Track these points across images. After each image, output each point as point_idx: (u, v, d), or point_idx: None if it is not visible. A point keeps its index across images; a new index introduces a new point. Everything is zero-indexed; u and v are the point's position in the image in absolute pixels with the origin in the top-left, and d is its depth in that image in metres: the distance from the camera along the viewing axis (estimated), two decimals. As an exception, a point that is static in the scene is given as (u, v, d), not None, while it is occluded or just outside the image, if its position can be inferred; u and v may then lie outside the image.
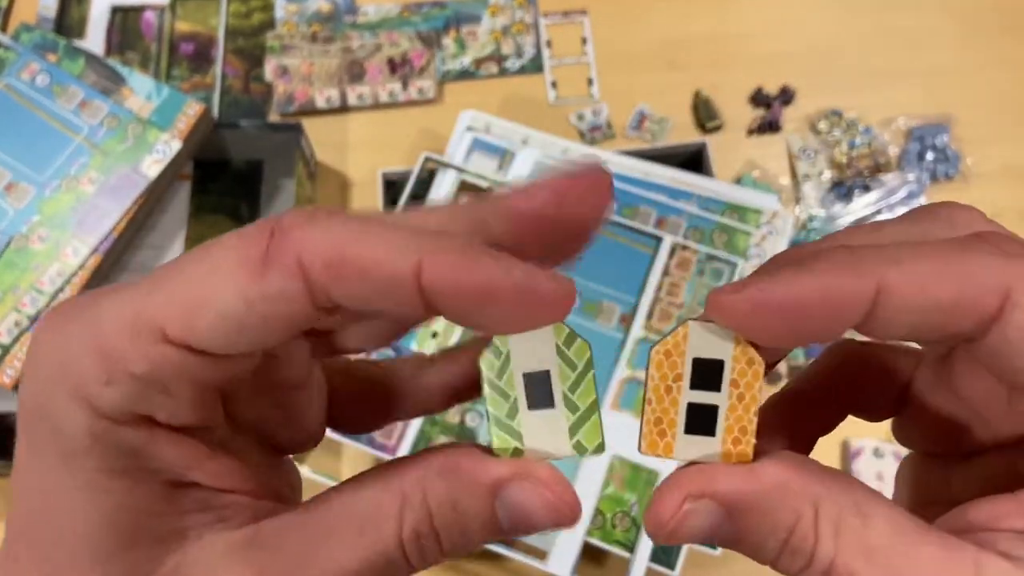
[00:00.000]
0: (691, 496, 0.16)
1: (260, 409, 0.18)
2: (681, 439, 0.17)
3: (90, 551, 0.15)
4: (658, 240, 0.59)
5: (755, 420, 0.17)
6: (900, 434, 0.21)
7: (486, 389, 0.17)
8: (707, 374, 0.17)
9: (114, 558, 0.15)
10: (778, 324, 0.16)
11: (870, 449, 0.64)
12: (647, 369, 0.18)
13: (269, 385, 0.18)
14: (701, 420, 0.17)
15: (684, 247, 0.59)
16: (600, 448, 0.17)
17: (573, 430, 0.17)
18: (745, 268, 0.58)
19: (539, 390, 0.17)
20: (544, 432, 0.17)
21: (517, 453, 0.17)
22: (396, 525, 0.16)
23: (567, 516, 0.16)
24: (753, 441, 0.17)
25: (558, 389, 0.17)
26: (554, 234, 0.17)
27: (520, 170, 0.62)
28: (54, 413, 0.15)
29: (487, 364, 0.17)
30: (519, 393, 0.17)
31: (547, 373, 0.17)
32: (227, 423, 0.17)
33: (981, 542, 0.15)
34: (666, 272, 0.58)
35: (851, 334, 0.18)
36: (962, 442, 0.18)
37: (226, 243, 0.15)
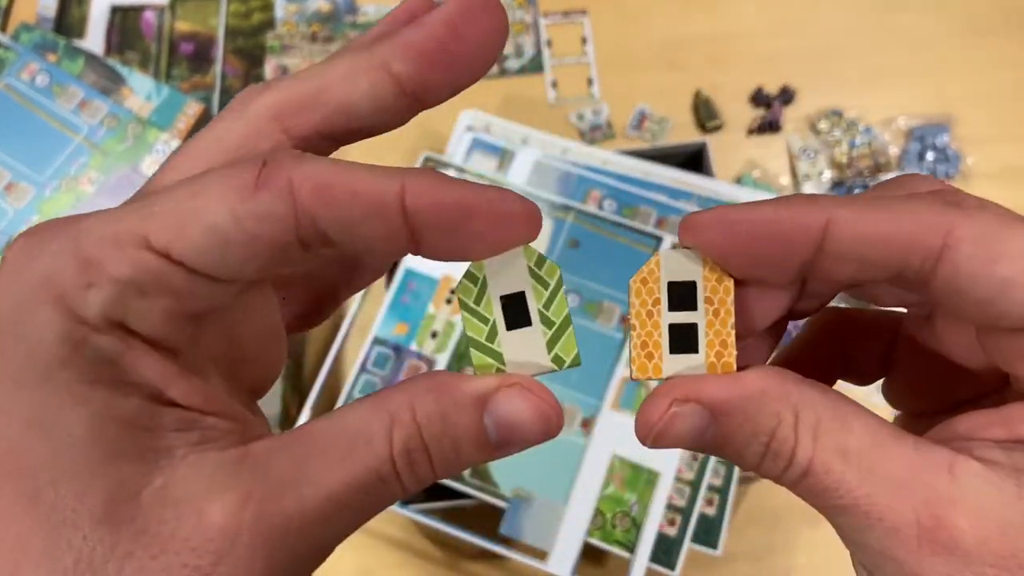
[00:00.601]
0: (678, 400, 0.17)
1: (225, 351, 0.17)
2: (668, 359, 0.18)
3: (72, 468, 0.14)
4: (658, 240, 0.59)
5: (732, 333, 0.18)
6: (890, 396, 0.22)
7: (464, 315, 0.18)
8: (682, 295, 0.18)
9: (97, 475, 0.14)
10: (739, 244, 0.17)
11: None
12: (628, 298, 0.19)
13: (235, 332, 0.18)
14: (683, 339, 0.18)
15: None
16: (577, 360, 0.18)
17: (551, 344, 0.18)
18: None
19: (516, 310, 0.18)
20: (523, 350, 0.18)
21: (499, 372, 0.18)
22: (386, 443, 0.16)
23: (553, 422, 0.17)
24: (734, 352, 0.18)
25: (533, 308, 0.18)
26: (454, 62, 0.17)
27: (520, 170, 0.62)
28: (32, 324, 0.14)
29: (464, 291, 0.18)
30: (497, 316, 0.18)
31: (522, 294, 0.18)
32: (196, 355, 0.17)
33: (958, 448, 0.16)
34: None
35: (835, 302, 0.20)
36: (947, 396, 0.19)
37: (217, 170, 0.15)
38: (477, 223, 0.16)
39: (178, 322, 0.16)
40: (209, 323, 0.17)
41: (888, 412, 0.21)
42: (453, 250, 0.17)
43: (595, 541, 0.52)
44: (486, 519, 0.53)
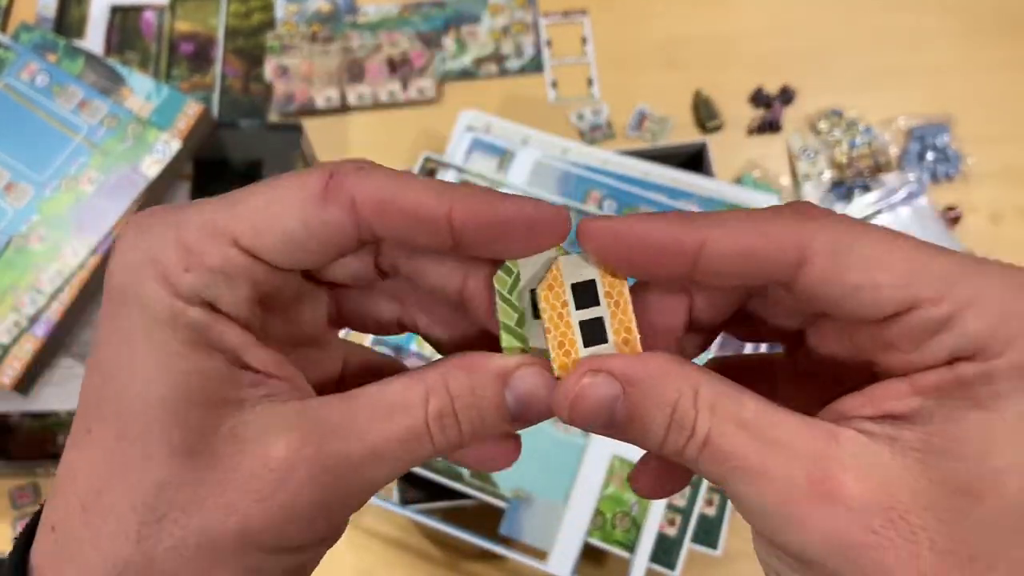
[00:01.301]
0: (591, 371, 0.19)
1: (288, 330, 0.21)
2: (583, 352, 0.20)
3: (161, 411, 0.18)
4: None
5: (634, 319, 0.21)
6: None
7: (499, 303, 0.21)
8: (585, 294, 0.21)
9: (181, 417, 0.18)
10: (623, 255, 0.19)
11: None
12: (538, 306, 0.21)
13: (294, 322, 0.21)
14: (593, 332, 0.21)
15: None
16: None
17: None
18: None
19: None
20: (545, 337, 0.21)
21: (523, 353, 0.21)
22: (423, 409, 0.19)
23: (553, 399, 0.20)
24: (638, 336, 0.21)
25: None
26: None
27: (520, 170, 0.62)
28: (141, 293, 0.18)
29: (500, 282, 0.21)
30: (526, 306, 0.21)
31: None
32: (266, 330, 0.20)
33: (839, 423, 0.19)
34: None
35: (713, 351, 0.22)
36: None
37: (291, 180, 0.19)
38: (516, 232, 0.19)
39: (255, 304, 0.19)
40: (278, 307, 0.20)
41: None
42: (492, 254, 0.20)
43: (595, 541, 0.52)
44: (486, 519, 0.53)
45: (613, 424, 0.19)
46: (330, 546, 0.21)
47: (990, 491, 0.17)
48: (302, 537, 0.19)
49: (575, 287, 0.20)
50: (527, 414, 0.20)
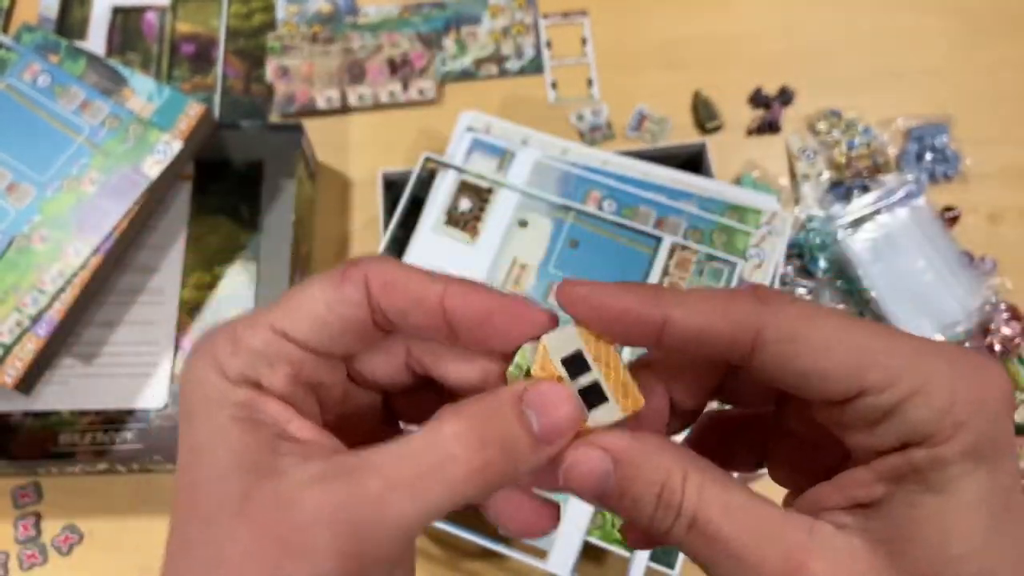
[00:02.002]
0: (585, 445, 0.21)
1: (327, 404, 0.24)
2: (591, 416, 0.22)
3: (220, 475, 0.20)
4: (658, 240, 0.59)
5: (628, 372, 0.22)
6: (775, 476, 0.25)
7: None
8: (575, 364, 0.22)
9: (234, 480, 0.20)
10: (596, 319, 0.22)
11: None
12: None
13: (350, 421, 0.24)
14: (594, 396, 0.22)
15: (684, 247, 0.59)
16: None
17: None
18: (744, 268, 0.59)
19: None
20: None
21: (528, 374, 0.22)
22: (451, 438, 0.20)
23: (574, 408, 0.21)
24: (635, 388, 0.22)
25: None
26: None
27: (520, 170, 0.62)
28: (201, 380, 0.21)
29: (511, 377, 0.22)
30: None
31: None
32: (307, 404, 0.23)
33: (814, 515, 0.20)
34: (665, 272, 0.59)
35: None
36: (819, 470, 0.22)
37: (320, 275, 0.22)
38: (500, 322, 0.22)
39: (295, 382, 0.22)
40: (330, 401, 0.23)
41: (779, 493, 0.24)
42: (481, 341, 0.22)
43: (595, 540, 0.52)
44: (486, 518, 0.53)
45: (604, 496, 0.21)
46: None
47: None
48: None
49: (565, 360, 0.22)
50: (550, 432, 0.21)
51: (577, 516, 0.52)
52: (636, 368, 0.23)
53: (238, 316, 0.22)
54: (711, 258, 0.59)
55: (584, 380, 0.22)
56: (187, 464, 0.21)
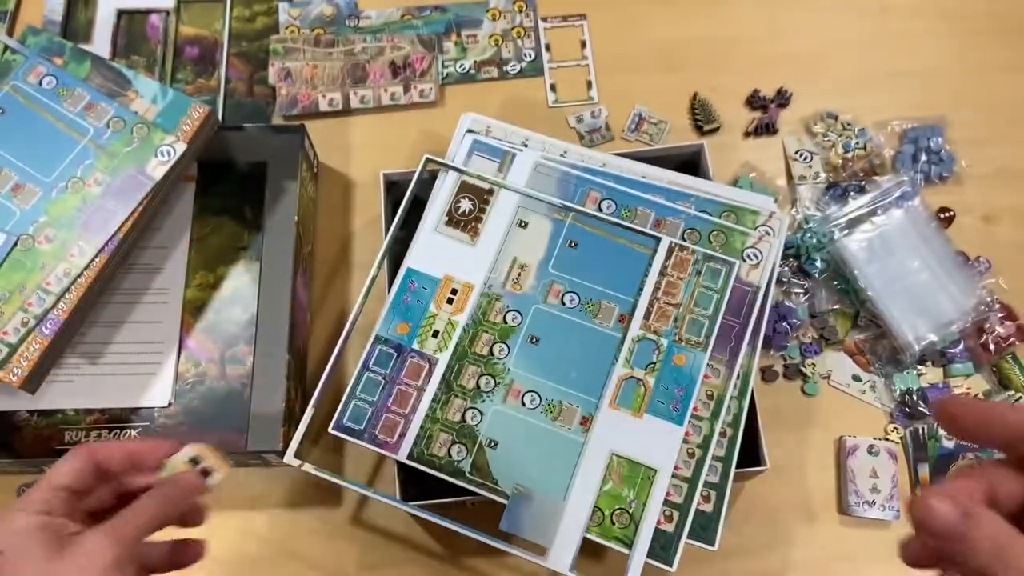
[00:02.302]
0: (938, 495, 0.27)
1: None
2: (209, 480, 0.46)
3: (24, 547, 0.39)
4: (656, 240, 0.60)
5: (219, 459, 0.46)
6: None
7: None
8: (196, 461, 0.46)
9: (45, 548, 0.39)
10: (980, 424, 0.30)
11: (865, 446, 0.65)
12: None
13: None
14: (208, 471, 0.46)
15: (682, 247, 0.60)
16: None
17: None
18: (742, 269, 0.59)
19: None
20: None
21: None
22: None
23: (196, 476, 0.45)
24: (224, 462, 0.46)
25: None
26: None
27: (520, 172, 0.63)
28: (14, 528, 0.40)
29: (161, 476, 0.46)
30: None
31: None
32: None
33: None
34: (663, 272, 0.59)
35: None
36: None
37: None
38: (148, 458, 0.46)
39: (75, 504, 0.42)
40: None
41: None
42: (150, 470, 0.46)
43: (594, 537, 0.53)
44: (486, 515, 0.54)
45: (947, 535, 0.26)
46: None
47: None
48: None
49: (191, 459, 0.45)
50: (182, 495, 0.44)
51: (576, 514, 0.53)
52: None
53: (32, 487, 0.41)
54: (709, 258, 0.59)
55: (201, 465, 0.45)
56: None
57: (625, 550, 0.53)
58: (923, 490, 0.32)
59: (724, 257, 0.59)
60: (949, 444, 0.65)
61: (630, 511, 0.54)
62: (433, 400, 0.56)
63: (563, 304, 0.59)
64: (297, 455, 0.56)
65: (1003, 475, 0.29)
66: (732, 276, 0.59)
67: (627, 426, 0.55)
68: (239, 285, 0.66)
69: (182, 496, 0.43)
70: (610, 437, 0.55)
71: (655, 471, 0.54)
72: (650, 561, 0.53)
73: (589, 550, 0.56)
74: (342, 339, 0.59)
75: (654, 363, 0.57)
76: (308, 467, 0.56)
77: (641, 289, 0.59)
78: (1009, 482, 0.28)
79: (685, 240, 0.60)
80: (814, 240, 0.70)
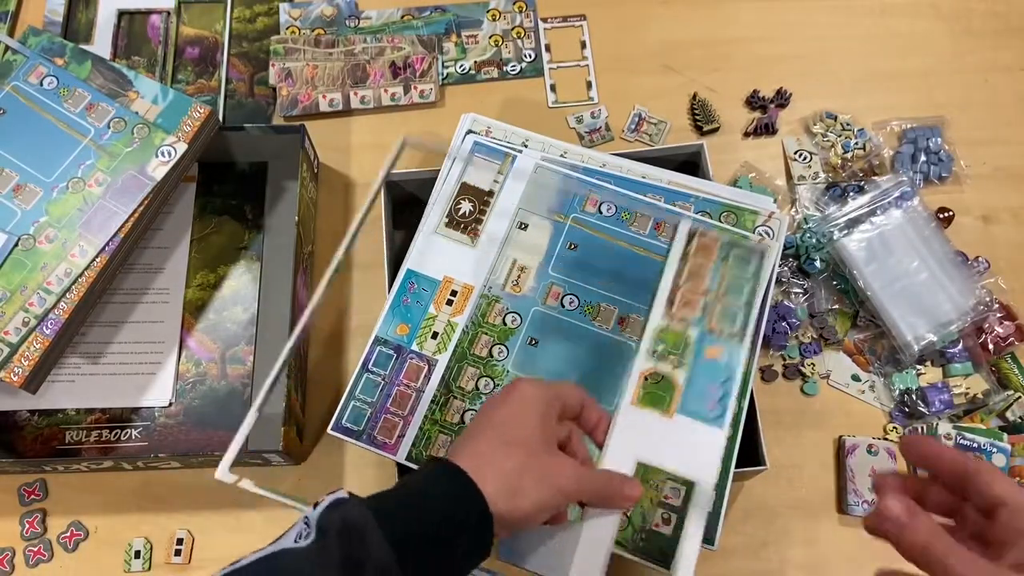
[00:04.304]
0: (895, 499, 0.36)
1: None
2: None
3: (536, 439, 0.42)
4: (656, 242, 0.60)
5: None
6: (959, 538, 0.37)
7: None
8: None
9: (541, 444, 0.42)
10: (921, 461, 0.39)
11: (864, 446, 0.65)
12: None
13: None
14: None
15: (703, 233, 0.58)
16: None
17: None
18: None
19: None
20: None
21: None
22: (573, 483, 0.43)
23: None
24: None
25: None
26: None
27: (520, 172, 0.63)
28: (541, 411, 0.44)
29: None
30: None
31: None
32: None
33: None
34: (684, 258, 0.58)
35: None
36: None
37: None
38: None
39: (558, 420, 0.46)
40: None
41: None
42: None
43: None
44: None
45: (896, 527, 0.35)
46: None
47: None
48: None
49: None
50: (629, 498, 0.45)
51: (596, 534, 0.44)
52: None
53: (542, 380, 0.46)
54: (735, 245, 0.57)
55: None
56: (510, 412, 0.43)
57: (624, 553, 0.53)
58: (880, 477, 0.39)
59: (752, 244, 0.57)
60: (949, 444, 0.65)
61: (628, 514, 0.54)
62: (432, 401, 0.56)
63: (562, 306, 0.59)
64: (293, 456, 0.55)
65: (935, 490, 0.39)
66: (768, 262, 0.57)
67: (655, 428, 0.50)
68: (240, 285, 0.66)
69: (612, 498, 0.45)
70: (634, 441, 0.49)
71: (691, 484, 0.49)
72: (646, 563, 0.53)
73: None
74: (342, 341, 0.59)
75: (681, 356, 0.53)
76: (246, 483, 0.50)
77: (655, 287, 0.57)
78: (939, 496, 0.39)
79: (691, 242, 0.60)
80: (813, 240, 0.70)
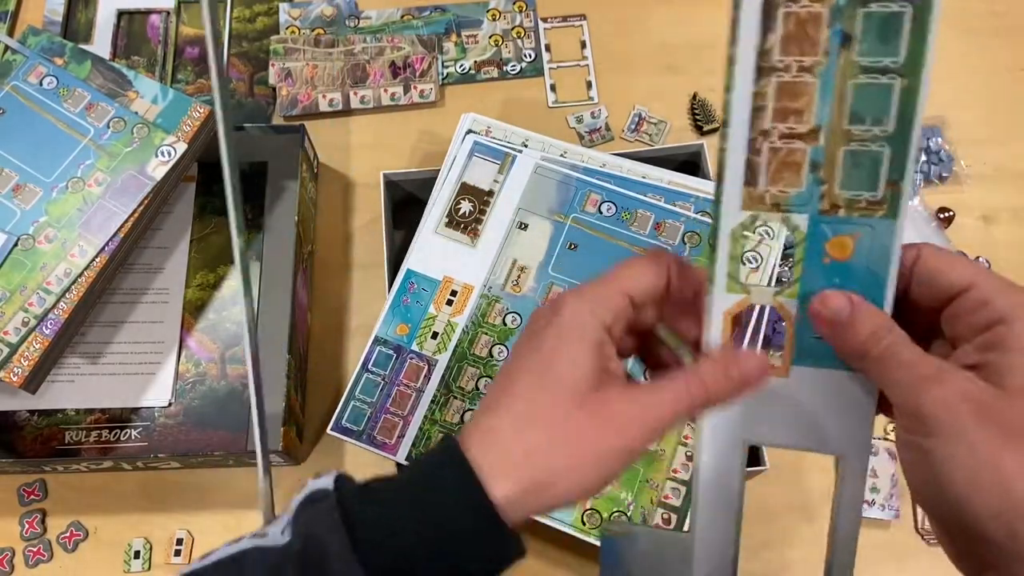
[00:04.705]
0: (834, 292, 0.31)
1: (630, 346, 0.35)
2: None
3: (572, 375, 0.31)
4: (656, 242, 0.60)
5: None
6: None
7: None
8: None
9: (580, 383, 0.31)
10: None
11: (864, 447, 0.65)
12: None
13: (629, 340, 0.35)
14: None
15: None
16: None
17: None
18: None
19: None
20: None
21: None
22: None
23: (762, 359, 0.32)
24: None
25: None
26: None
27: (520, 172, 0.63)
28: (579, 312, 0.32)
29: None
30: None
31: None
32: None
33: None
34: (766, 55, 0.33)
35: None
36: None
37: (637, 258, 0.34)
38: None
39: (622, 332, 0.33)
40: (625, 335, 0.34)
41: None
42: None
43: (592, 539, 0.53)
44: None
45: (836, 323, 0.30)
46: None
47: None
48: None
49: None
50: (743, 382, 0.31)
51: (715, 550, 0.34)
52: None
53: (594, 280, 0.33)
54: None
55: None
56: (549, 349, 0.32)
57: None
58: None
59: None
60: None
61: (628, 514, 0.54)
62: (432, 401, 0.56)
63: (563, 305, 0.59)
64: (293, 456, 0.55)
65: None
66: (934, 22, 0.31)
67: (764, 397, 0.31)
68: (239, 285, 0.66)
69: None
70: (732, 422, 0.32)
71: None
72: (649, 561, 0.53)
73: (587, 552, 0.56)
74: (342, 340, 0.59)
75: (789, 266, 0.32)
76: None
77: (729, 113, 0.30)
78: None
79: (685, 243, 0.60)
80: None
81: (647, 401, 0.31)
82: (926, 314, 0.31)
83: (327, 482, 0.32)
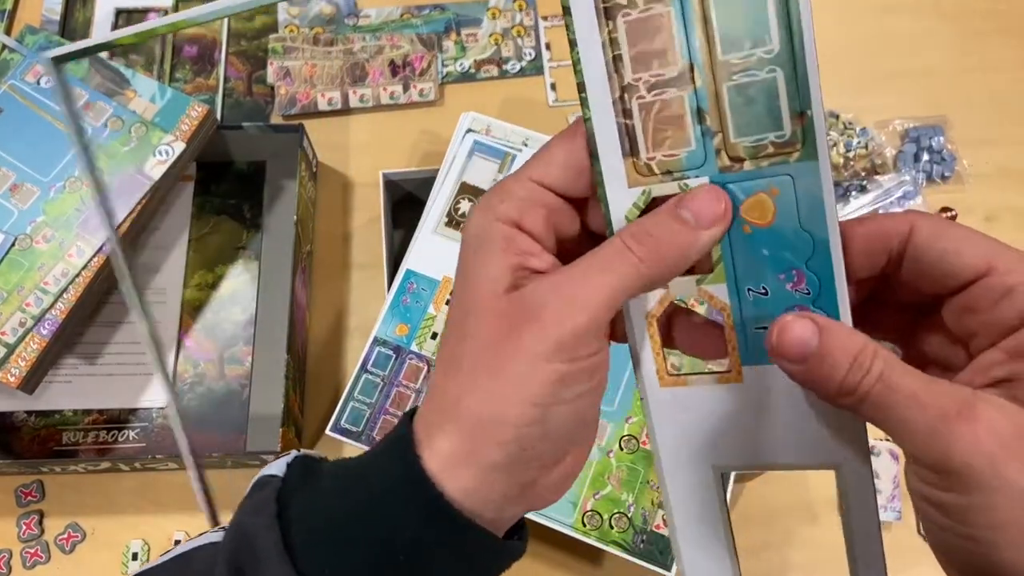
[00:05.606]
0: (797, 316, 0.24)
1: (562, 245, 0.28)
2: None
3: (484, 286, 0.26)
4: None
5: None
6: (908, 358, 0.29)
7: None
8: None
9: (493, 289, 0.25)
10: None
11: (866, 448, 0.64)
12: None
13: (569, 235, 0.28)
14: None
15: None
16: None
17: None
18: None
19: None
20: None
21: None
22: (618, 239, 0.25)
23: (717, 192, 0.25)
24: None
25: None
26: None
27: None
28: (478, 221, 0.27)
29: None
30: None
31: None
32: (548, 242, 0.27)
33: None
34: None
35: None
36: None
37: (557, 135, 0.27)
38: None
39: (545, 223, 0.26)
40: (559, 227, 0.27)
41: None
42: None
43: (592, 541, 0.53)
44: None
45: (806, 357, 0.23)
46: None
47: None
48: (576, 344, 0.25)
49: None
50: (700, 215, 0.24)
51: None
52: None
53: (510, 174, 0.28)
54: None
55: None
56: (463, 277, 0.27)
57: (624, 555, 0.52)
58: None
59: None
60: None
61: (629, 515, 0.53)
62: (432, 401, 0.56)
63: (563, 305, 0.59)
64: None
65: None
66: None
67: (714, 407, 0.27)
68: (238, 285, 0.65)
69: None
70: (689, 444, 0.28)
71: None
72: (647, 565, 0.52)
73: (589, 554, 0.56)
74: (341, 341, 0.59)
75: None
76: None
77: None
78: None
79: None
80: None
81: (574, 283, 0.24)
82: (912, 295, 0.26)
83: (279, 467, 0.29)
